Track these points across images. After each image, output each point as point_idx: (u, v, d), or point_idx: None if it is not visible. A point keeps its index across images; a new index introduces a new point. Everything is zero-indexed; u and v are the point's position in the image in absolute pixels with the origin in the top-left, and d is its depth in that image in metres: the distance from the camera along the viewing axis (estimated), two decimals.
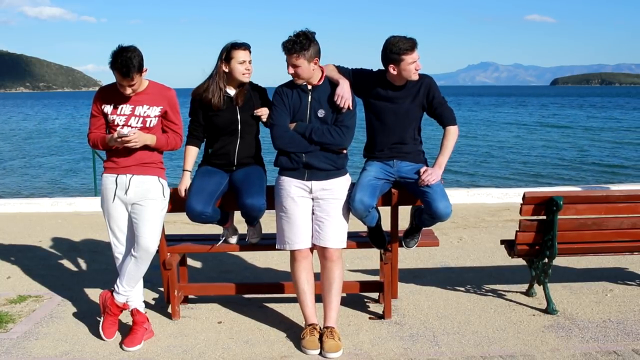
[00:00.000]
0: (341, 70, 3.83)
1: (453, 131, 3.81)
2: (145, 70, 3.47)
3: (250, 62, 3.75)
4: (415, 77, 3.73)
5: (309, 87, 3.65)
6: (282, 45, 3.55)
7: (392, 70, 3.70)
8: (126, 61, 3.32)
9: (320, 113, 3.64)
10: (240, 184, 3.77)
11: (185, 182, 3.84)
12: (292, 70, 3.57)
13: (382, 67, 3.78)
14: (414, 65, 3.67)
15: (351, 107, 3.65)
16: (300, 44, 3.49)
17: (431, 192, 3.66)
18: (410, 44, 3.64)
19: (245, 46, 3.74)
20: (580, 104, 70.84)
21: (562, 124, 37.43)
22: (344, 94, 3.63)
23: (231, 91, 3.80)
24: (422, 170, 3.72)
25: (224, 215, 3.96)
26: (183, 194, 3.80)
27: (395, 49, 3.64)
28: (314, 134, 3.59)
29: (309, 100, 3.65)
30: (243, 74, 3.74)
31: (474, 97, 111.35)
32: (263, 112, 3.77)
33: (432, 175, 3.67)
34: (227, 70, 3.74)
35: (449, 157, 3.79)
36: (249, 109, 3.81)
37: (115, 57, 3.35)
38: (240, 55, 3.71)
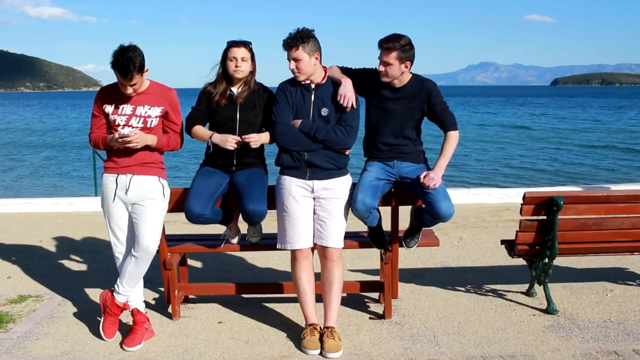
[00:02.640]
0: (344, 70, 3.84)
1: (454, 136, 3.80)
2: (147, 70, 3.47)
3: (243, 59, 3.74)
4: (382, 79, 3.74)
5: (312, 85, 3.65)
6: (283, 41, 3.57)
7: None
8: (127, 61, 3.32)
9: (324, 112, 3.64)
10: (241, 188, 3.76)
11: (220, 136, 3.75)
12: (293, 65, 3.57)
13: None
14: (381, 65, 3.70)
15: (355, 106, 3.66)
16: (300, 38, 3.51)
17: (434, 193, 3.66)
18: (383, 44, 3.66)
19: (240, 44, 3.74)
20: (569, 105, 71.02)
21: (527, 125, 37.31)
22: (347, 92, 3.63)
23: (235, 89, 3.81)
24: (422, 175, 3.70)
25: (228, 214, 3.96)
26: (233, 143, 3.69)
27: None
28: (318, 133, 3.59)
29: (312, 98, 3.65)
30: (233, 70, 3.75)
31: (463, 97, 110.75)
32: (251, 139, 3.67)
33: (433, 180, 3.65)
34: (225, 67, 3.78)
35: (449, 161, 3.78)
36: (251, 109, 3.80)
37: (117, 57, 3.35)
38: (231, 52, 3.74)
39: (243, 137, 3.67)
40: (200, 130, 3.83)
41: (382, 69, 3.71)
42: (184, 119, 3.83)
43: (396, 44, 3.63)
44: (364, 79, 3.82)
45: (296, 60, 3.55)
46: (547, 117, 45.93)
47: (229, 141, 3.70)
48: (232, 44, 3.75)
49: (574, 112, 53.00)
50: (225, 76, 3.79)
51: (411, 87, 3.78)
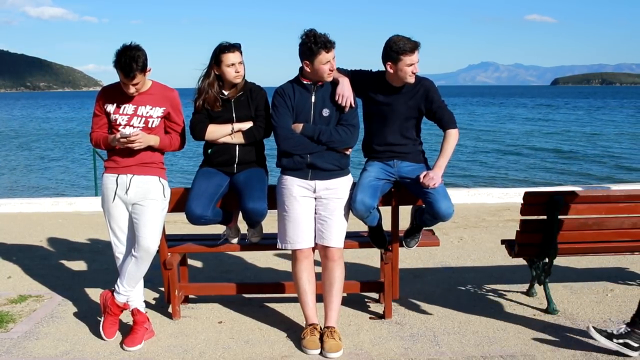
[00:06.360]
0: (340, 71, 3.83)
1: (453, 134, 3.80)
2: (149, 70, 3.47)
3: (240, 63, 3.73)
4: (410, 80, 3.72)
5: (314, 86, 3.66)
6: (319, 43, 3.48)
7: (389, 68, 3.70)
8: (130, 60, 3.32)
9: (325, 112, 3.64)
10: (242, 187, 3.77)
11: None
12: (331, 66, 3.57)
13: (382, 68, 3.78)
14: (411, 68, 3.66)
15: (353, 105, 3.66)
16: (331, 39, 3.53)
17: (433, 193, 3.65)
18: (410, 46, 3.63)
19: (233, 48, 3.71)
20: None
21: (484, 128, 36.46)
22: (345, 92, 3.64)
23: (226, 92, 3.80)
24: (422, 175, 3.70)
25: (228, 214, 3.96)
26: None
27: (396, 47, 3.64)
28: (322, 135, 3.59)
29: (313, 99, 3.65)
30: (234, 77, 3.73)
31: (452, 97, 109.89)
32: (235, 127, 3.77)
33: (433, 180, 3.64)
34: (218, 73, 3.75)
35: (448, 160, 3.78)
36: (246, 110, 3.80)
37: (119, 56, 3.34)
38: (228, 58, 3.69)
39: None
40: (216, 127, 3.78)
41: (415, 70, 3.68)
42: (186, 123, 3.81)
43: (417, 42, 3.66)
44: (360, 80, 3.81)
45: (333, 59, 3.56)
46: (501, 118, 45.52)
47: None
48: (227, 50, 3.70)
49: (544, 114, 52.81)
50: (219, 80, 3.77)
51: (409, 86, 3.78)
